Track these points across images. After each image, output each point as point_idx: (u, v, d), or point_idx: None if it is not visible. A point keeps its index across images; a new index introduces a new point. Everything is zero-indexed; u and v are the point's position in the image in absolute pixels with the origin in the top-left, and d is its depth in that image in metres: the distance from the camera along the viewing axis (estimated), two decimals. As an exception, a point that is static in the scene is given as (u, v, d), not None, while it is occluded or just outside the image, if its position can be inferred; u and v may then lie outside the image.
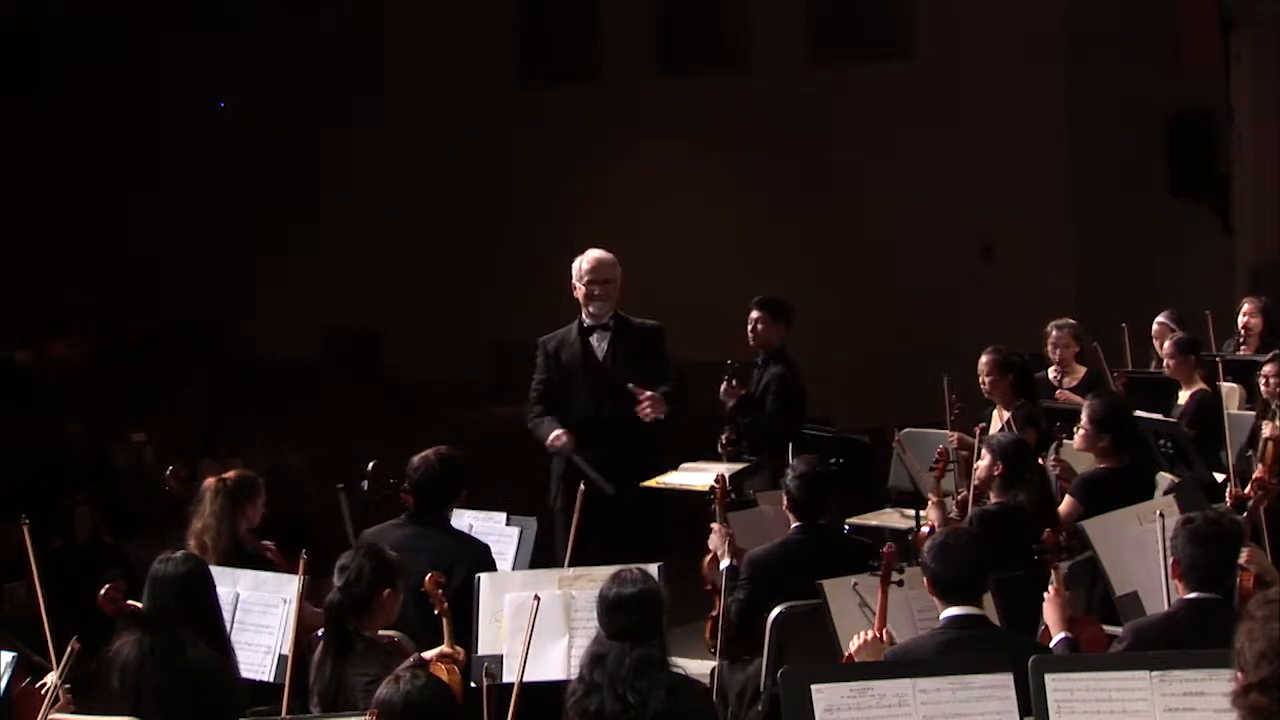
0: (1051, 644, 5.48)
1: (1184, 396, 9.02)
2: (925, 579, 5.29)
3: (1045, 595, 5.61)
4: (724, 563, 6.79)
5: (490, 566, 6.76)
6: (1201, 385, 8.84)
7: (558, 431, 8.01)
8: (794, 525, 6.75)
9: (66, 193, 19.48)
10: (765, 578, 6.56)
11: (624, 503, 7.94)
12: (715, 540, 6.89)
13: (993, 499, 7.02)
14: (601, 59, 17.44)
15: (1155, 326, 9.97)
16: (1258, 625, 3.46)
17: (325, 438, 14.89)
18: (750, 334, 8.91)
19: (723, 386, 8.72)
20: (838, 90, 15.77)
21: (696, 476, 8.01)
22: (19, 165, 19.35)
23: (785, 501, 6.81)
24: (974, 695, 4.51)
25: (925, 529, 7.16)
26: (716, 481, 7.11)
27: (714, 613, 6.80)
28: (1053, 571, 5.66)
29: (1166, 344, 9.43)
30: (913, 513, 7.89)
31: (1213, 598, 5.28)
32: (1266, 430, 7.91)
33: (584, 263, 8.19)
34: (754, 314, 8.86)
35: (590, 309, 8.15)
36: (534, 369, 8.30)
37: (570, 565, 7.27)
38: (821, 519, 6.77)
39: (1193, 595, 5.24)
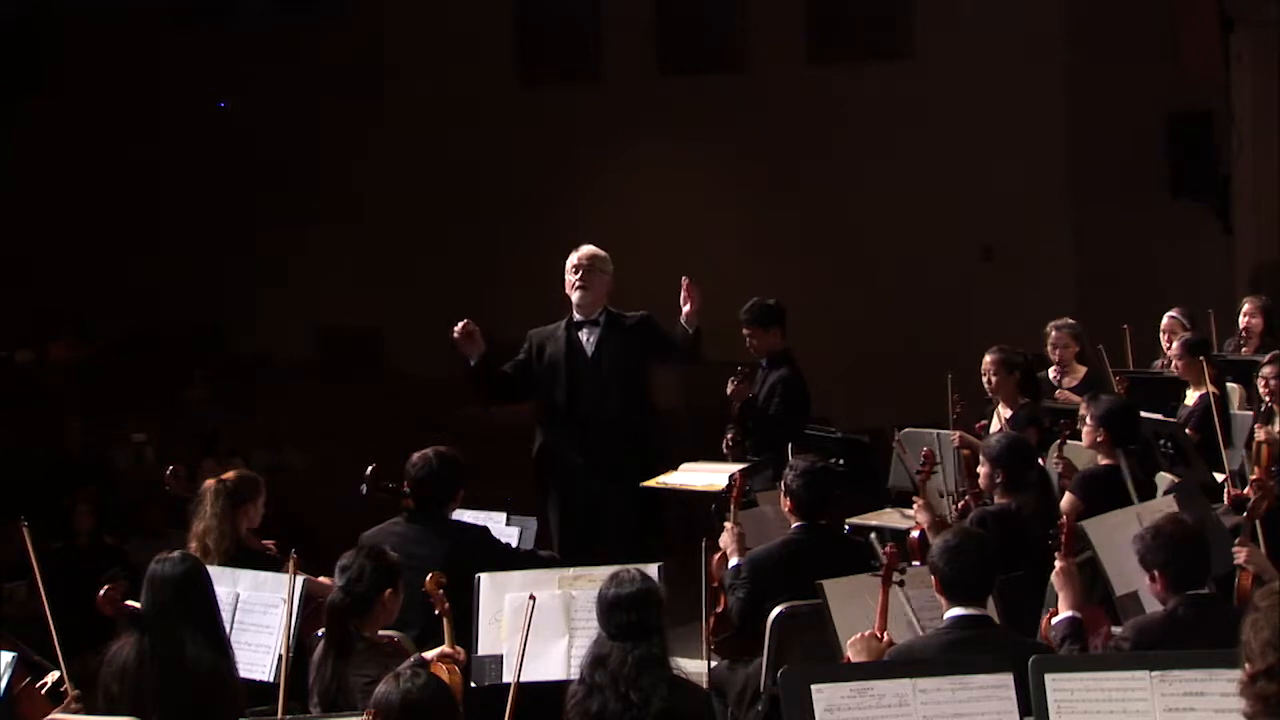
0: (1056, 620, 5.48)
1: (1193, 397, 9.01)
2: (934, 578, 5.30)
3: (1056, 569, 5.59)
4: (732, 560, 6.80)
5: (495, 548, 6.78)
6: (1210, 386, 8.81)
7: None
8: (795, 525, 6.75)
9: (66, 192, 19.47)
10: (765, 577, 6.56)
11: (621, 501, 7.95)
12: (726, 538, 6.89)
13: (995, 501, 7.02)
14: (601, 59, 17.44)
15: (1166, 320, 9.95)
16: (1262, 615, 3.50)
17: (325, 438, 14.90)
18: (749, 347, 8.92)
19: (729, 387, 8.72)
20: (838, 90, 15.77)
21: (697, 476, 8.01)
22: (19, 165, 19.35)
23: (787, 502, 6.80)
24: (974, 695, 4.51)
25: (914, 533, 7.16)
26: (732, 479, 7.12)
27: (719, 609, 6.81)
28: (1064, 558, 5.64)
29: (1175, 345, 9.42)
30: (912, 513, 7.89)
31: (1210, 593, 5.31)
32: (1260, 434, 7.91)
33: (573, 254, 8.19)
34: (744, 330, 8.87)
35: (575, 299, 8.14)
36: None
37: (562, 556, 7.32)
38: (822, 518, 6.77)
39: (1190, 592, 5.26)
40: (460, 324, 8.03)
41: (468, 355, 8.08)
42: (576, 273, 8.11)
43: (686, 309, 8.03)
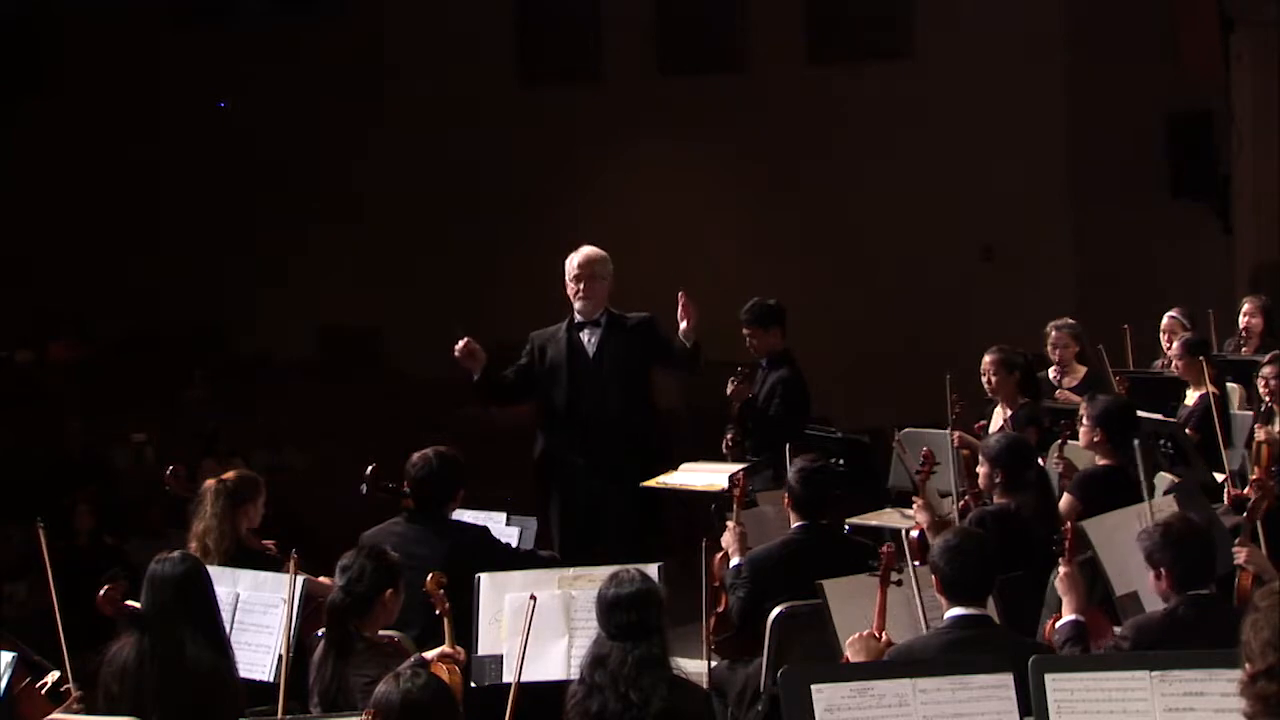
0: (1060, 623, 5.48)
1: (1192, 397, 9.01)
2: (934, 578, 5.30)
3: (1059, 573, 5.60)
4: (733, 560, 6.79)
5: (495, 548, 6.78)
6: (1210, 386, 8.82)
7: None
8: (795, 525, 6.74)
9: (66, 192, 19.48)
10: (765, 577, 6.56)
11: (621, 501, 7.95)
12: (728, 538, 6.89)
13: (995, 501, 7.02)
14: (602, 59, 17.44)
15: (1166, 321, 9.95)
16: (1262, 615, 3.50)
17: (325, 438, 14.90)
18: (749, 347, 8.92)
19: (729, 388, 8.72)
20: (838, 90, 15.77)
21: (697, 477, 8.01)
22: (19, 164, 19.34)
23: (787, 499, 6.80)
24: (974, 695, 4.51)
25: (914, 532, 7.16)
26: (735, 478, 7.11)
27: (720, 609, 6.81)
28: (1067, 562, 5.65)
29: (1175, 345, 9.42)
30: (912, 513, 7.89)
31: (1210, 593, 5.31)
32: (1260, 434, 7.91)
33: (572, 260, 8.19)
34: (744, 330, 8.87)
35: (577, 306, 8.15)
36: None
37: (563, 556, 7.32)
38: (823, 518, 6.76)
39: (1191, 592, 5.26)
40: (461, 343, 8.05)
41: (470, 370, 8.12)
42: (578, 283, 8.12)
43: (684, 325, 8.03)
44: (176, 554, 5.62)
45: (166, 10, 19.64)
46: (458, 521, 6.89)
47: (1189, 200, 14.37)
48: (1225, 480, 8.00)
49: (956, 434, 8.23)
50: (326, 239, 18.54)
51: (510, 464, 10.80)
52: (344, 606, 5.57)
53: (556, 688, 5.34)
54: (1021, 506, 6.89)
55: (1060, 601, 5.64)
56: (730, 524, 6.93)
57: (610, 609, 5.05)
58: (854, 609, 5.79)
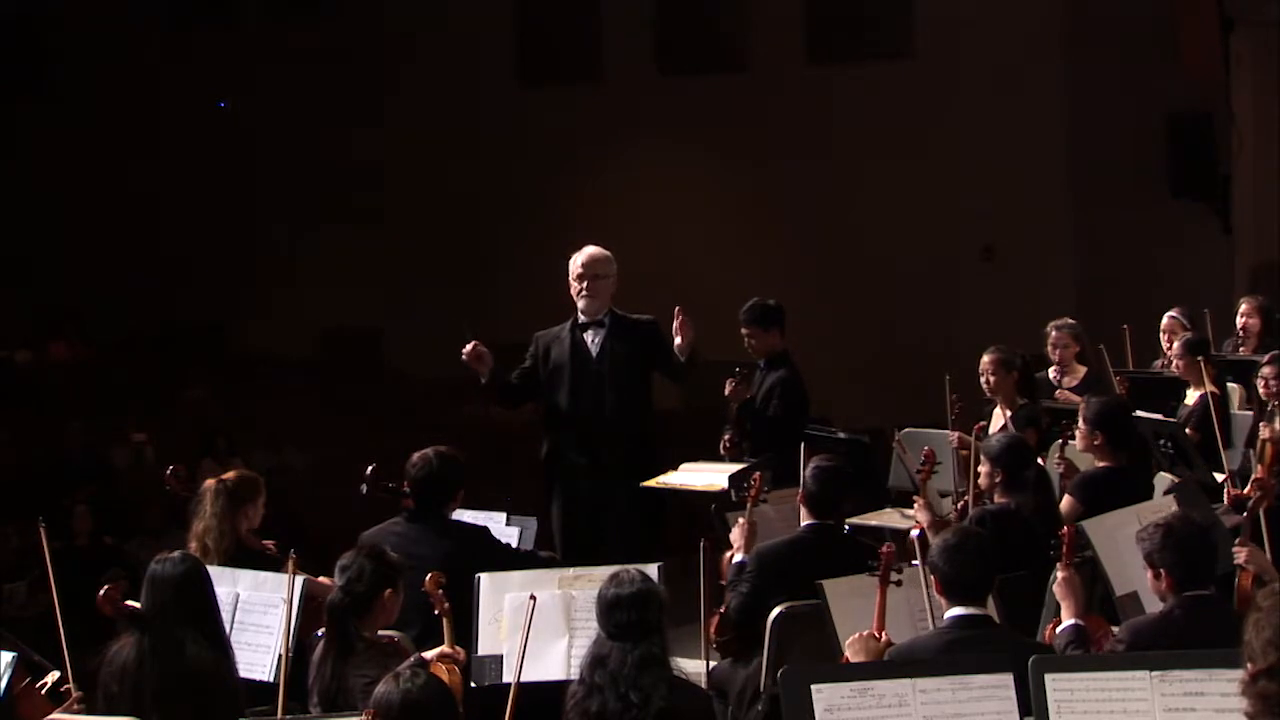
0: (1060, 628, 5.48)
1: (1193, 397, 9.01)
2: (934, 578, 5.30)
3: (1057, 578, 5.60)
4: (738, 557, 6.78)
5: (495, 548, 6.78)
6: (1210, 386, 8.81)
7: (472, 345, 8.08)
8: (806, 523, 6.73)
9: (66, 192, 19.48)
10: (772, 572, 6.55)
11: (622, 501, 7.96)
12: (736, 534, 6.88)
13: (995, 501, 7.02)
14: (602, 59, 17.45)
15: (1166, 320, 9.95)
16: (1264, 615, 3.50)
17: (325, 438, 14.91)
18: (748, 347, 8.92)
19: (727, 388, 8.71)
20: (838, 90, 15.78)
21: (697, 477, 8.01)
22: (19, 164, 19.34)
23: (800, 496, 6.78)
24: (974, 695, 4.51)
25: (914, 532, 7.15)
26: (751, 475, 7.10)
27: (722, 609, 6.80)
28: (1065, 567, 5.65)
29: (1175, 345, 9.41)
30: (913, 513, 7.88)
31: (1208, 593, 5.31)
32: (1264, 432, 7.90)
33: (576, 259, 8.19)
34: (743, 330, 8.86)
35: (580, 306, 8.16)
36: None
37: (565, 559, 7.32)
38: (832, 518, 6.74)
39: (1188, 593, 5.26)
40: (469, 346, 8.06)
41: (478, 373, 8.14)
42: (581, 282, 8.12)
43: (679, 341, 8.03)
44: (176, 554, 5.62)
45: (166, 11, 19.65)
46: (458, 521, 6.89)
47: (1189, 200, 14.38)
48: (1225, 480, 7.99)
49: (956, 434, 8.22)
50: (326, 239, 18.55)
51: (510, 464, 10.81)
52: (344, 606, 5.57)
53: (556, 688, 5.34)
54: (1021, 506, 6.89)
55: (1060, 605, 5.64)
56: (741, 520, 6.92)
57: (610, 609, 5.05)
58: (854, 609, 5.79)
